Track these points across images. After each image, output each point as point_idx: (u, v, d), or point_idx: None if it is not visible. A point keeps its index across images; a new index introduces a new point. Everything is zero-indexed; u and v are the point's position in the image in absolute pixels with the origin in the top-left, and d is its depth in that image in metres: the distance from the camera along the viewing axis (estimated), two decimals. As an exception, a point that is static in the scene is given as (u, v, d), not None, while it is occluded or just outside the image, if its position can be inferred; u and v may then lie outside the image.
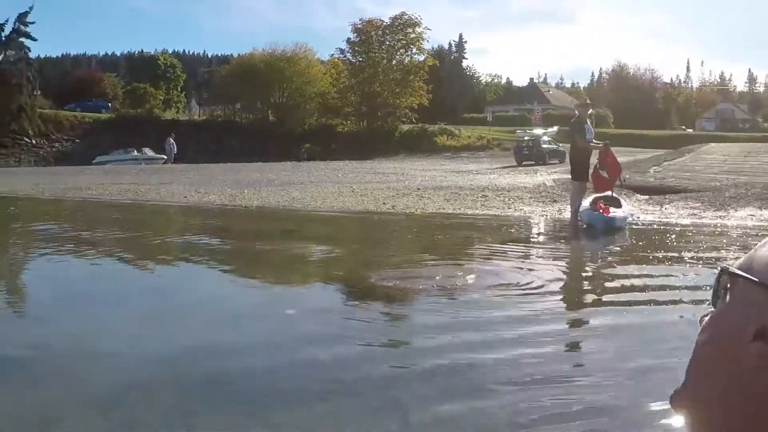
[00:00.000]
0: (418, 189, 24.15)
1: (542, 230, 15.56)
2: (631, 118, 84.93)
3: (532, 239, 14.41)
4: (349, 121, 69.01)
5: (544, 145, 45.43)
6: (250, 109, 75.56)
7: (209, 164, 45.73)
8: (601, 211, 14.25)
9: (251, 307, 8.38)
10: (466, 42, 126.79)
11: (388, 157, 53.03)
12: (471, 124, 76.47)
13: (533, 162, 43.45)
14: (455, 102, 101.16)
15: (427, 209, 18.61)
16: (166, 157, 53.82)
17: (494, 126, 74.45)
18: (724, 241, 13.36)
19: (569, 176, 28.11)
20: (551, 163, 42.03)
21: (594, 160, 15.83)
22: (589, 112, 16.31)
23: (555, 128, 49.79)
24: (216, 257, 12.50)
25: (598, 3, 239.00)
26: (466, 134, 63.56)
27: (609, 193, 15.91)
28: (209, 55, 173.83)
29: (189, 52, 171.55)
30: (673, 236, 13.75)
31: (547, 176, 29.92)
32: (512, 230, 15.24)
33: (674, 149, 41.27)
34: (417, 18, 67.54)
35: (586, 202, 15.30)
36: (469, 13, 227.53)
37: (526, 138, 47.52)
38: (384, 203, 20.02)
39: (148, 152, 55.15)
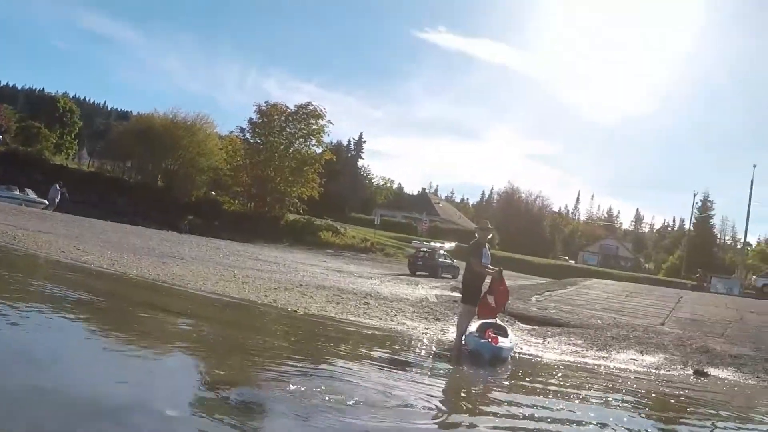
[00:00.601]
0: (301, 285, 23.60)
1: (425, 350, 14.91)
2: (516, 241, 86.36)
3: (413, 358, 13.66)
4: (237, 201, 68.02)
5: (440, 259, 46.37)
6: (140, 169, 74.32)
7: (91, 219, 44.70)
8: (490, 339, 13.86)
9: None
10: (365, 141, 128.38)
11: (270, 244, 52.44)
12: (357, 224, 76.82)
13: (427, 274, 44.35)
14: (345, 199, 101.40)
15: (309, 309, 17.95)
16: (48, 203, 52.11)
17: (380, 230, 74.58)
18: (609, 384, 13.09)
19: (450, 293, 28.26)
20: (444, 277, 43.22)
21: (486, 284, 15.59)
22: (489, 236, 16.04)
23: (453, 244, 50.99)
24: (83, 327, 11.59)
25: (502, 124, 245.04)
26: (351, 233, 63.65)
27: (496, 320, 15.63)
28: (109, 107, 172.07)
29: (90, 100, 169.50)
30: (559, 374, 13.41)
31: (428, 290, 29.82)
32: (396, 346, 14.62)
33: (556, 279, 41.84)
34: (322, 110, 67.73)
35: (473, 327, 14.94)
36: (375, 114, 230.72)
37: (423, 249, 48.80)
38: (266, 295, 19.37)
39: (31, 194, 53.62)
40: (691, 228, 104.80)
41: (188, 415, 7.14)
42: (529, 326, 20.51)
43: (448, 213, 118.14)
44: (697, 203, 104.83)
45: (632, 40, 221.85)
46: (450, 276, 43.96)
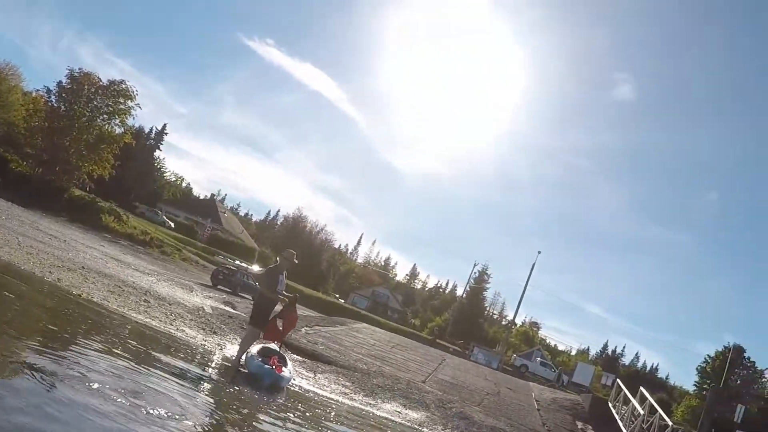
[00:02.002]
0: (83, 267, 22.88)
1: (202, 362, 14.72)
2: (293, 269, 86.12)
3: (189, 368, 13.26)
4: (25, 163, 64.76)
5: (242, 278, 47.16)
6: (-71, 109, 69.42)
7: None
8: (273, 366, 13.95)
9: None
10: (167, 134, 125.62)
11: (49, 216, 50.42)
12: (139, 216, 75.21)
13: (230, 290, 45.15)
14: (133, 187, 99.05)
15: (92, 296, 17.47)
16: None
17: (161, 226, 73.37)
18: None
19: (223, 306, 28.18)
20: (242, 295, 43.62)
21: (278, 309, 15.77)
22: (288, 266, 16.25)
23: (261, 269, 52.29)
24: None
25: (300, 150, 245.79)
26: (132, 223, 62.13)
27: (280, 347, 15.80)
28: None
29: None
30: (332, 413, 13.65)
31: (203, 299, 29.78)
32: (181, 354, 14.39)
33: (325, 315, 42.31)
34: (134, 92, 65.67)
35: (254, 350, 15.00)
36: (180, 108, 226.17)
37: (227, 266, 50.53)
38: (50, 272, 18.76)
39: None
40: (464, 295, 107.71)
41: None
42: (299, 357, 20.77)
43: (232, 225, 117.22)
44: (475, 273, 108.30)
45: (447, 108, 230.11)
46: (249, 297, 44.00)
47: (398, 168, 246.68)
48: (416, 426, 15.99)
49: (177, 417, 8.56)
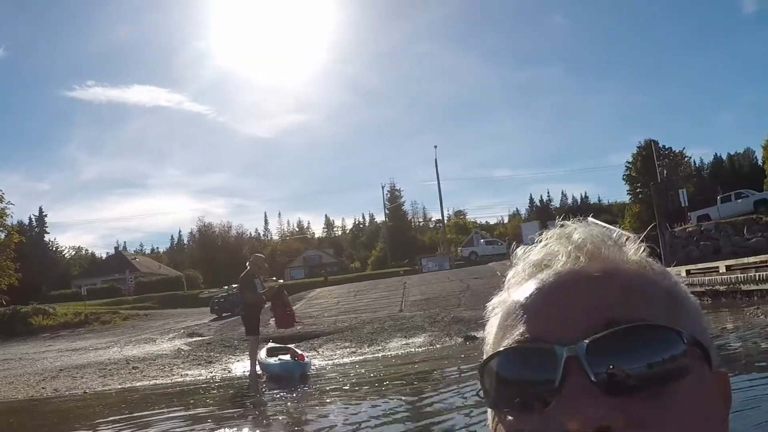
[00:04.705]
0: (60, 370, 22.85)
1: (229, 391, 15.25)
2: (220, 275, 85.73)
3: (221, 401, 13.88)
4: (-70, 313, 63.36)
5: (235, 296, 47.85)
6: None
7: None
8: (295, 358, 14.67)
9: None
10: (46, 215, 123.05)
11: (-17, 344, 49.88)
12: (62, 301, 74.25)
13: (229, 313, 44.80)
14: (40, 279, 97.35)
15: (94, 387, 17.73)
16: None
17: (88, 300, 72.58)
18: (411, 367, 14.14)
19: (190, 338, 28.53)
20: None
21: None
22: (260, 266, 16.90)
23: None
24: None
25: (166, 168, 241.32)
26: (62, 312, 61.36)
27: (273, 344, 16.67)
28: None
29: None
30: (362, 369, 14.40)
31: (170, 342, 29.84)
32: (213, 391, 14.95)
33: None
34: (-1, 192, 64.46)
35: (262, 354, 15.68)
36: (42, 186, 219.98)
37: (220, 294, 50.98)
38: (43, 387, 18.72)
39: None
40: (386, 219, 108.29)
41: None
42: (291, 344, 21.33)
43: (148, 266, 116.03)
44: (386, 194, 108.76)
45: (280, 59, 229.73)
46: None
47: (263, 136, 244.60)
48: (428, 346, 16.93)
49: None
